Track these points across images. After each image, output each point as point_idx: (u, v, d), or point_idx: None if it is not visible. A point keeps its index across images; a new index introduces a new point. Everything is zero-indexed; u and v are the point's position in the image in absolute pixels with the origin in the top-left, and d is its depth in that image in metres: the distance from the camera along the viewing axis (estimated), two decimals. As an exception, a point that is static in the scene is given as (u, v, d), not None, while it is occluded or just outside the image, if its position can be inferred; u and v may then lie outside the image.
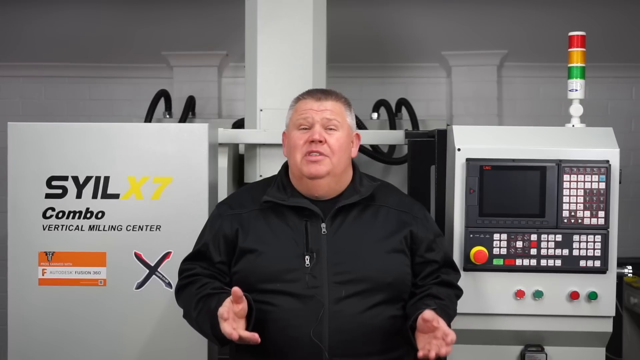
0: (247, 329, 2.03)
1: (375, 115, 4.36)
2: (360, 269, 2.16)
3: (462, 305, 2.36)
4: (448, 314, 2.22)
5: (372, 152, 3.80)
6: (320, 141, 2.17)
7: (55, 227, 2.72)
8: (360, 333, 2.13)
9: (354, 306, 2.13)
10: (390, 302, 2.18)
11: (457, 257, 2.56)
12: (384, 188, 2.34)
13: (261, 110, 3.17)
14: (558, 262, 2.58)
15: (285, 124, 2.30)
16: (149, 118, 4.17)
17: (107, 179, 2.72)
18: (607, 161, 2.58)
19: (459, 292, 2.34)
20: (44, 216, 2.72)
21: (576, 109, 2.78)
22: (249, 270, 2.17)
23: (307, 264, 2.14)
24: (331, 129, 2.20)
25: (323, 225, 2.19)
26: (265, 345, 2.12)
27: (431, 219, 2.39)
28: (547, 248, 2.57)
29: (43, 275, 2.72)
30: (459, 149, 2.61)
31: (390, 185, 2.40)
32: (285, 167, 2.32)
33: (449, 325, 2.18)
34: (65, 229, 2.72)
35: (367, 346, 2.14)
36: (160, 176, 2.73)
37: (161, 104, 4.38)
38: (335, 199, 2.23)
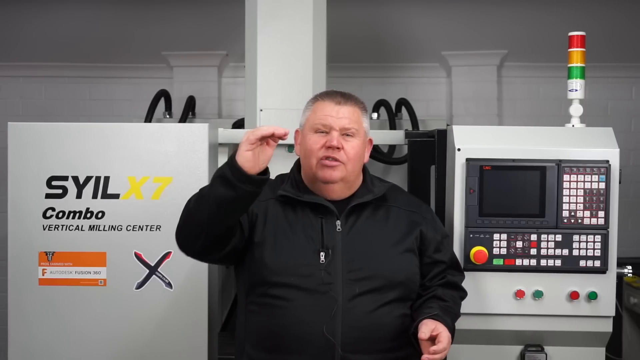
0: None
1: (375, 115, 4.37)
2: (374, 266, 2.17)
3: (462, 305, 2.36)
4: (454, 313, 2.25)
5: (372, 152, 3.79)
6: (338, 147, 2.17)
7: (55, 227, 2.72)
8: (372, 330, 2.14)
9: (367, 303, 2.14)
10: (400, 301, 2.20)
11: (457, 257, 2.55)
12: (393, 189, 2.36)
13: (261, 110, 3.17)
14: (558, 262, 2.58)
15: (299, 123, 2.29)
16: (149, 118, 4.16)
17: (107, 179, 2.72)
18: (607, 161, 2.58)
19: (463, 294, 2.36)
20: (44, 216, 2.72)
21: (576, 109, 2.77)
22: (263, 263, 2.16)
23: (322, 260, 2.15)
24: (348, 135, 2.20)
25: (338, 222, 2.20)
26: (278, 340, 2.14)
27: (438, 219, 2.41)
28: (547, 248, 2.57)
29: (43, 275, 2.72)
30: (459, 149, 2.61)
31: (398, 186, 2.42)
32: (298, 165, 2.32)
33: (454, 326, 2.20)
34: (66, 229, 2.72)
35: (379, 343, 2.16)
36: (160, 176, 2.73)
37: (161, 104, 4.38)
38: (348, 198, 2.25)
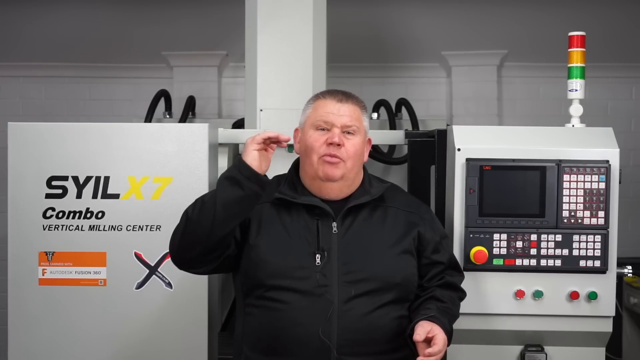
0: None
1: (375, 115, 4.37)
2: (370, 268, 2.17)
3: (462, 305, 2.36)
4: (452, 314, 2.24)
5: (372, 152, 3.80)
6: (339, 144, 2.17)
7: (55, 227, 2.72)
8: (368, 332, 2.14)
9: (363, 305, 2.14)
10: (397, 302, 2.20)
11: (457, 257, 2.55)
12: (392, 189, 2.35)
13: (261, 110, 3.17)
14: (558, 262, 2.58)
15: (299, 121, 2.29)
16: (149, 118, 4.16)
17: (107, 179, 2.72)
18: (607, 161, 2.58)
19: (462, 295, 2.35)
20: (44, 216, 2.72)
21: (576, 109, 2.78)
22: (259, 266, 2.16)
23: (318, 263, 2.15)
24: (349, 133, 2.21)
25: (334, 224, 2.19)
26: (274, 342, 2.14)
27: (437, 220, 2.39)
28: (547, 248, 2.57)
29: (43, 275, 2.72)
30: (459, 149, 2.61)
31: (397, 186, 2.41)
32: (295, 165, 2.32)
33: (451, 328, 2.20)
34: (66, 229, 2.72)
35: (375, 345, 2.15)
36: (160, 176, 2.73)
37: (161, 104, 4.38)
38: (345, 199, 2.24)
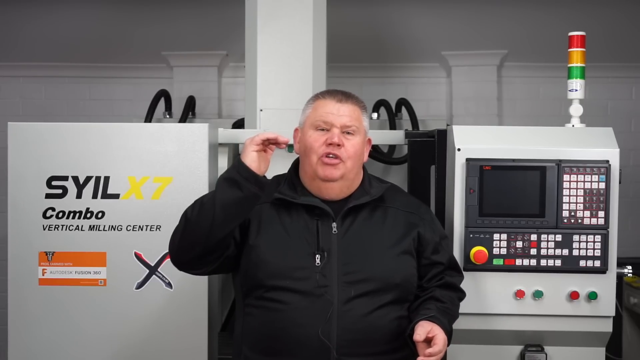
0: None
1: (375, 115, 4.37)
2: (370, 269, 2.17)
3: (462, 305, 2.36)
4: (451, 314, 2.24)
5: (372, 152, 3.79)
6: (339, 145, 2.17)
7: (55, 227, 2.72)
8: (368, 333, 2.14)
9: (362, 306, 2.14)
10: (397, 303, 2.20)
11: (457, 257, 2.55)
12: (392, 189, 2.35)
13: (261, 110, 3.17)
14: (558, 262, 2.58)
15: (299, 121, 2.29)
16: (149, 118, 4.16)
17: (107, 179, 2.72)
18: (607, 161, 2.58)
19: (461, 295, 2.35)
20: (44, 216, 2.72)
21: (576, 109, 2.78)
22: (258, 266, 2.16)
23: (318, 263, 2.15)
24: (349, 133, 2.21)
25: (334, 224, 2.19)
26: (274, 343, 2.14)
27: (437, 220, 2.39)
28: (547, 248, 2.57)
29: (43, 275, 2.72)
30: (459, 149, 2.61)
31: (397, 186, 2.41)
32: (295, 165, 2.32)
33: (451, 328, 2.20)
34: (66, 229, 2.72)
35: (375, 346, 2.15)
36: (160, 176, 2.73)
37: (161, 104, 4.38)
38: (345, 199, 2.24)
